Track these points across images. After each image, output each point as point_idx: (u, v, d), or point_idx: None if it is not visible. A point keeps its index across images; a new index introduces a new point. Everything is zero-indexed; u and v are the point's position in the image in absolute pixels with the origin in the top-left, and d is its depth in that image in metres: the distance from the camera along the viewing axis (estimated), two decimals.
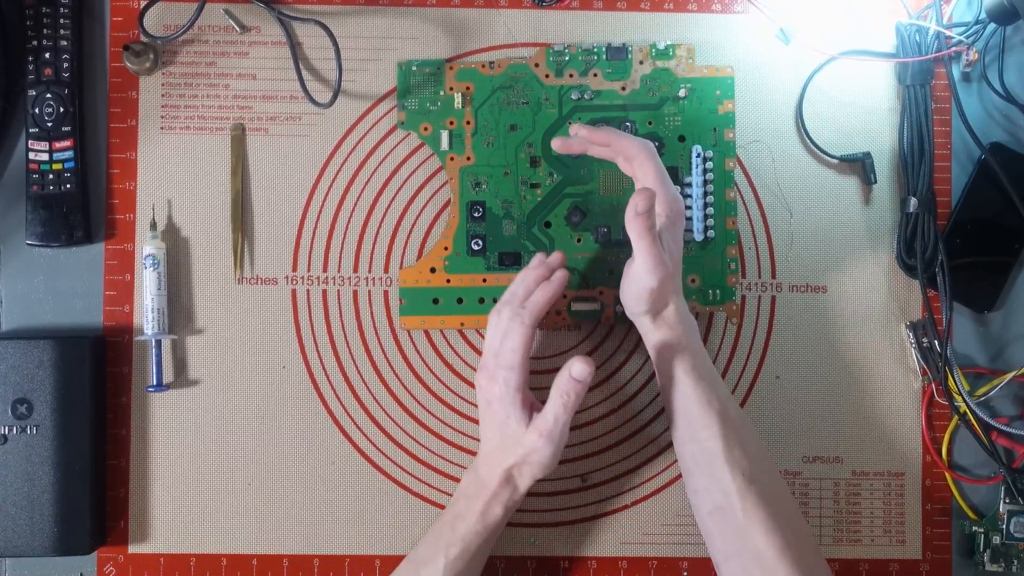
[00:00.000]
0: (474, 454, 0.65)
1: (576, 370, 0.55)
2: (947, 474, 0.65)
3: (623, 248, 0.65)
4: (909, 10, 0.65)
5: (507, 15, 0.66)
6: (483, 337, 0.65)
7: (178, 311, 0.65)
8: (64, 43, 0.64)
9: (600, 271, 0.65)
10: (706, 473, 0.57)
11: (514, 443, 0.57)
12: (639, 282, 0.57)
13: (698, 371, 0.58)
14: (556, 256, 0.61)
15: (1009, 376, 0.64)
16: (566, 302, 0.65)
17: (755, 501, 0.55)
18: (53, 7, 0.63)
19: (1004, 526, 0.65)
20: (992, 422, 0.64)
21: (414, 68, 0.65)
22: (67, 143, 0.63)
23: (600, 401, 0.66)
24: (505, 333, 0.57)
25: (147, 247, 0.64)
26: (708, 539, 0.58)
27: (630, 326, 0.65)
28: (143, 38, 0.63)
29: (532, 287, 0.59)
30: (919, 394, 0.66)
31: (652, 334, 0.59)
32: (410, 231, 0.66)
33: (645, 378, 0.66)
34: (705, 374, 0.58)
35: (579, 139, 0.60)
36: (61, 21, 0.63)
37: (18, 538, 0.61)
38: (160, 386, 0.64)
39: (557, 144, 0.61)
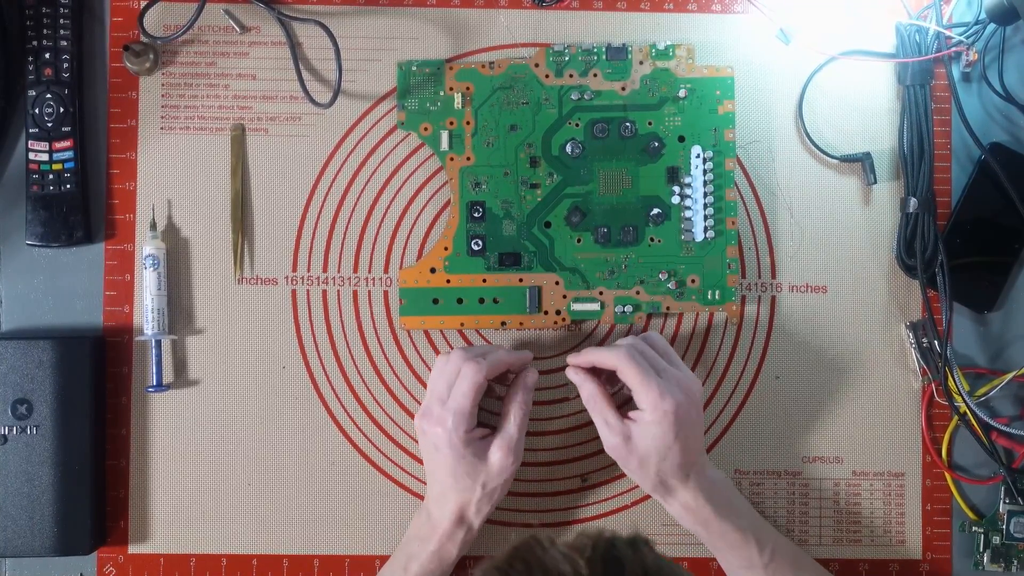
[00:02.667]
0: None
1: (530, 380, 0.60)
2: (947, 474, 0.65)
3: (623, 248, 0.65)
4: (909, 10, 0.65)
5: (507, 15, 0.66)
6: (483, 337, 0.65)
7: (178, 311, 0.65)
8: (64, 43, 0.63)
9: (600, 271, 0.65)
10: None
11: (470, 478, 0.58)
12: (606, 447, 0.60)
13: (728, 538, 0.59)
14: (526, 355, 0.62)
15: (1009, 376, 0.64)
16: (566, 302, 0.65)
17: None
18: (53, 7, 0.63)
19: (1004, 526, 0.65)
20: (992, 422, 0.64)
21: (414, 68, 0.65)
22: (67, 143, 0.63)
23: None
24: (459, 376, 0.58)
25: (147, 247, 0.64)
26: None
27: (630, 326, 0.65)
28: (143, 38, 0.63)
29: (494, 351, 0.61)
30: (919, 394, 0.66)
31: (675, 515, 0.61)
32: (410, 231, 0.66)
33: None
34: (740, 534, 0.59)
35: (575, 372, 0.61)
36: (61, 21, 0.63)
37: (18, 538, 0.61)
38: (160, 386, 0.64)
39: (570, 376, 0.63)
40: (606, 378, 0.61)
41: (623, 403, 0.62)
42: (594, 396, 0.59)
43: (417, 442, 0.65)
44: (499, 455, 0.58)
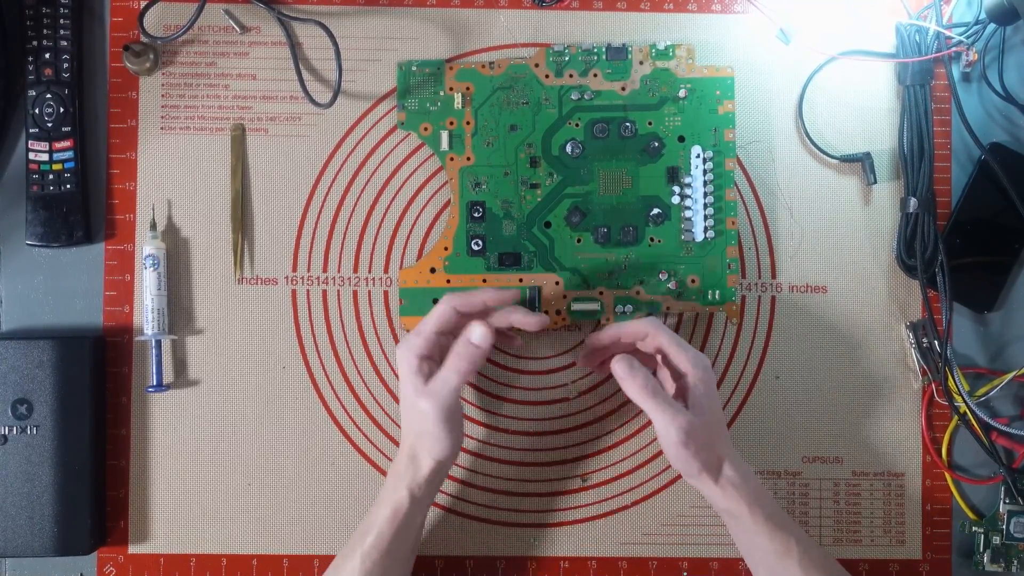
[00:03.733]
0: (474, 455, 0.65)
1: (475, 334, 0.56)
2: (947, 474, 0.65)
3: (623, 248, 0.65)
4: (909, 10, 0.65)
5: (507, 15, 0.66)
6: None
7: (178, 311, 0.65)
8: (64, 43, 0.64)
9: (600, 271, 0.65)
10: None
11: (412, 411, 0.56)
12: (667, 442, 0.55)
13: (771, 521, 0.57)
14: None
15: (1009, 376, 0.64)
16: (566, 302, 0.65)
17: None
18: (53, 7, 0.63)
19: (1004, 526, 0.65)
20: (992, 422, 0.64)
21: (414, 68, 0.65)
22: (67, 143, 0.63)
23: (600, 401, 0.66)
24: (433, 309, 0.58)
25: (147, 247, 0.64)
26: None
27: None
28: (143, 38, 0.63)
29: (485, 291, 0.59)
30: (919, 394, 0.66)
31: (718, 496, 0.57)
32: (410, 231, 0.66)
33: None
34: (780, 522, 0.57)
35: (590, 352, 0.60)
36: (61, 21, 0.63)
37: (18, 538, 0.61)
38: (160, 386, 0.64)
39: (582, 362, 0.62)
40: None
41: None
42: (651, 382, 0.56)
43: None
44: (422, 400, 0.55)
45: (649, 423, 0.65)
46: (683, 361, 0.57)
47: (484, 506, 0.65)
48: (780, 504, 0.66)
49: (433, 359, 0.57)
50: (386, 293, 0.65)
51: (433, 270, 0.64)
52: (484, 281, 0.64)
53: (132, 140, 0.65)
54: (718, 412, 0.57)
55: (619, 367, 0.56)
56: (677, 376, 0.58)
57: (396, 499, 0.57)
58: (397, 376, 0.65)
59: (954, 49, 0.65)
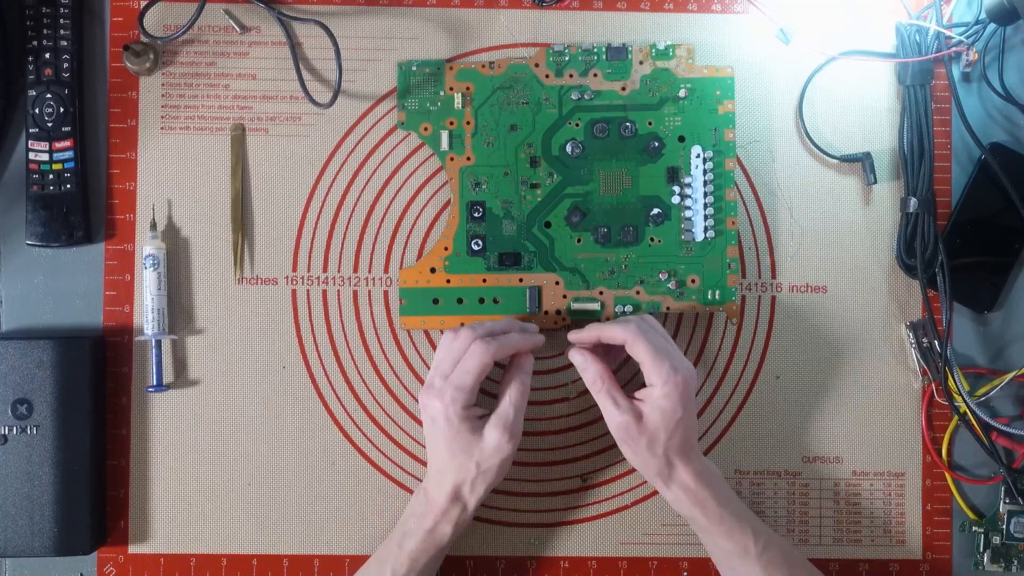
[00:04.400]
0: None
1: (527, 364, 0.60)
2: (947, 474, 0.65)
3: (623, 248, 0.65)
4: (909, 10, 0.65)
5: (507, 15, 0.66)
6: None
7: (178, 311, 0.65)
8: (64, 43, 0.64)
9: (600, 271, 0.65)
10: None
11: (465, 455, 0.57)
12: (612, 434, 0.59)
13: (727, 522, 0.58)
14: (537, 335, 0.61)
15: (1009, 376, 0.64)
16: (566, 302, 0.65)
17: None
18: (53, 7, 0.63)
19: (1004, 526, 0.65)
20: (992, 422, 0.64)
21: (414, 68, 0.65)
22: (67, 143, 0.63)
23: None
24: (467, 354, 0.58)
25: (147, 247, 0.64)
26: None
27: None
28: (143, 38, 0.63)
29: (507, 329, 0.60)
30: (919, 394, 0.66)
31: (670, 499, 0.60)
32: (410, 231, 0.66)
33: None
34: (737, 522, 0.58)
35: (579, 353, 0.60)
36: (61, 21, 0.63)
37: (18, 538, 0.61)
38: (160, 386, 0.64)
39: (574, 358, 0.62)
40: (604, 357, 0.61)
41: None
42: (601, 376, 0.59)
43: (418, 442, 0.65)
44: (495, 434, 0.57)
45: None
46: (654, 375, 0.57)
47: (484, 506, 0.65)
48: (780, 503, 0.66)
49: (473, 406, 0.59)
50: (386, 293, 0.65)
51: (433, 270, 0.64)
52: (484, 281, 0.64)
53: (132, 140, 0.65)
54: (675, 420, 0.57)
55: (576, 360, 0.60)
56: (647, 383, 0.59)
57: (437, 536, 0.59)
58: (405, 386, 0.65)
59: (954, 49, 0.65)
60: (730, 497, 0.59)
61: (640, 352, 0.58)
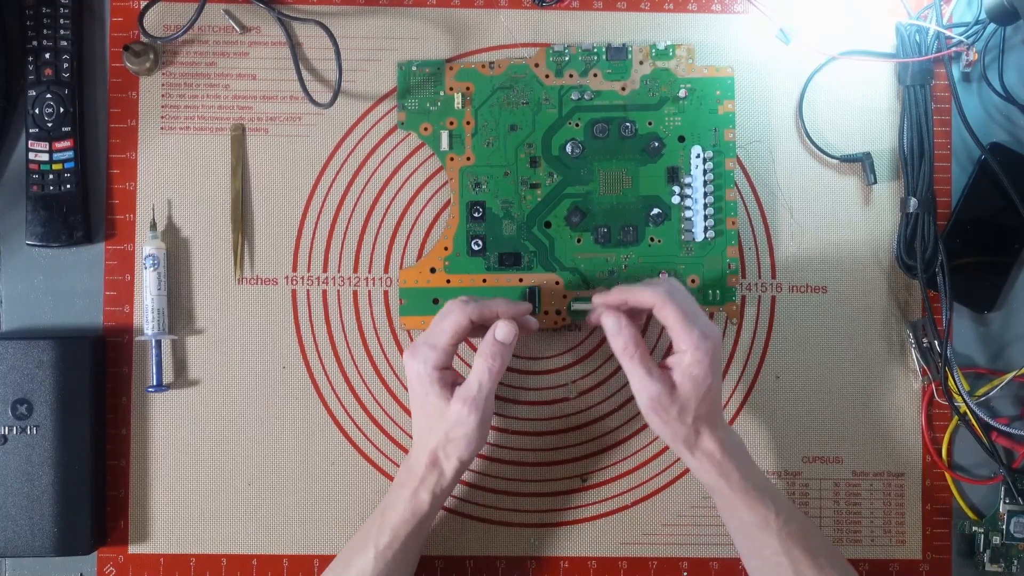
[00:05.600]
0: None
1: (500, 332, 0.56)
2: (947, 474, 0.65)
3: (623, 248, 0.65)
4: (909, 10, 0.65)
5: (507, 15, 0.66)
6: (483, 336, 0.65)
7: (178, 311, 0.65)
8: (64, 43, 0.64)
9: (600, 271, 0.65)
10: None
11: (436, 420, 0.57)
12: (640, 405, 0.57)
13: (750, 493, 0.57)
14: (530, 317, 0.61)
15: (1009, 376, 0.64)
16: (566, 302, 0.65)
17: None
18: (53, 7, 0.63)
19: (1004, 526, 0.65)
20: (992, 422, 0.64)
21: (414, 68, 0.65)
22: (67, 143, 0.63)
23: (600, 401, 0.66)
24: (443, 314, 0.57)
25: (147, 247, 0.64)
26: None
27: None
28: (143, 38, 0.63)
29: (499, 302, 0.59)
30: (919, 394, 0.66)
31: (694, 468, 0.58)
32: (410, 231, 0.66)
33: None
34: (759, 493, 0.57)
35: (599, 310, 0.59)
36: (61, 21, 0.63)
37: (18, 538, 0.61)
38: (160, 386, 0.64)
39: (592, 321, 0.60)
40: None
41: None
42: (635, 342, 0.56)
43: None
44: (457, 405, 0.56)
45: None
46: (684, 341, 0.56)
47: (484, 506, 0.65)
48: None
49: (448, 367, 0.58)
50: (386, 293, 0.65)
51: (433, 270, 0.64)
52: (484, 281, 0.64)
53: (132, 140, 0.65)
54: (706, 388, 0.56)
55: (608, 323, 0.57)
56: (674, 350, 0.57)
57: (416, 504, 0.58)
58: (405, 385, 0.65)
59: (954, 49, 0.65)
60: (753, 468, 0.58)
61: (669, 316, 0.56)
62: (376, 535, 0.58)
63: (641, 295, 0.57)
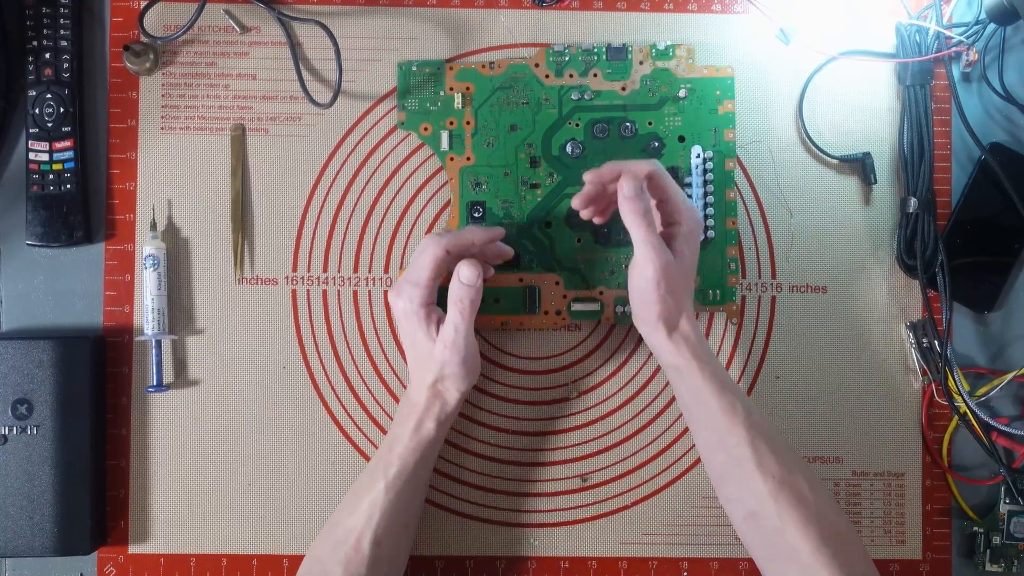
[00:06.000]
0: (475, 454, 0.65)
1: (464, 275, 0.57)
2: (947, 474, 0.65)
3: (623, 248, 0.65)
4: (909, 10, 0.65)
5: (507, 15, 0.66)
6: (483, 337, 0.65)
7: (178, 311, 0.65)
8: (64, 43, 0.64)
9: (600, 271, 0.65)
10: (737, 481, 0.56)
11: (428, 357, 0.58)
12: (642, 276, 0.56)
13: (719, 380, 0.57)
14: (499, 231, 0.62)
15: (1009, 376, 0.64)
16: (566, 302, 0.65)
17: (788, 503, 0.54)
18: (53, 7, 0.63)
19: (1004, 526, 0.65)
20: (992, 422, 0.64)
21: (414, 68, 0.65)
22: (67, 143, 0.63)
23: (600, 401, 0.66)
24: (420, 251, 0.58)
25: (147, 247, 0.64)
26: (746, 544, 0.58)
27: (630, 326, 0.65)
28: (143, 38, 0.63)
29: (471, 230, 0.60)
30: (919, 394, 0.66)
31: (668, 351, 0.58)
32: (410, 231, 0.66)
33: (645, 378, 0.66)
34: (726, 382, 0.57)
35: (590, 185, 0.59)
36: (61, 21, 0.63)
37: (18, 538, 0.61)
38: (160, 386, 0.64)
39: (577, 203, 0.60)
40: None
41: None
42: (651, 212, 0.56)
43: None
44: (439, 347, 0.58)
45: (651, 423, 0.65)
46: (683, 213, 0.58)
47: (484, 506, 0.65)
48: None
49: (433, 303, 0.59)
50: (386, 293, 0.65)
51: None
52: (484, 281, 0.64)
53: (132, 140, 0.65)
54: (693, 267, 0.58)
55: (628, 186, 0.56)
56: (667, 223, 0.59)
57: (422, 433, 0.59)
58: (405, 385, 0.65)
59: (954, 49, 0.65)
60: (716, 358, 0.59)
61: (669, 187, 0.57)
62: (384, 469, 0.58)
63: (636, 165, 0.58)
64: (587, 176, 0.58)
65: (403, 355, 0.65)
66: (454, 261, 0.59)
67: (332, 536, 0.58)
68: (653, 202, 0.58)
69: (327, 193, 0.66)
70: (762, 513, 0.55)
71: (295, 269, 0.65)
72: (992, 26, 0.65)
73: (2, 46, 0.63)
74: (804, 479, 0.56)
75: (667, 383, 0.65)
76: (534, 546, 0.65)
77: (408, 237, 0.66)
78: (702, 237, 0.64)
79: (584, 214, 0.61)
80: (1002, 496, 0.65)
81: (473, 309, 0.58)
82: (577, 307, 0.64)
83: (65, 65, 0.63)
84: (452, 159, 0.65)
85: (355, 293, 0.66)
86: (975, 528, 0.65)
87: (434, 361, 0.58)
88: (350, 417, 0.65)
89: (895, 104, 0.66)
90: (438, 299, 0.59)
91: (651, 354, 0.64)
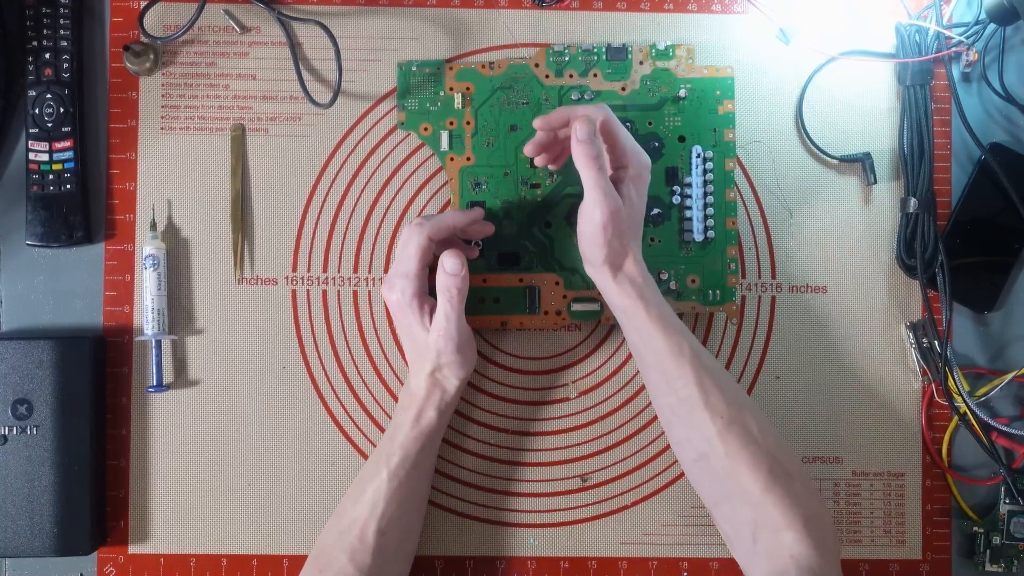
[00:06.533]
0: (475, 455, 0.65)
1: (448, 266, 0.57)
2: (947, 474, 0.65)
3: None
4: (909, 10, 0.65)
5: (507, 15, 0.66)
6: (483, 337, 0.65)
7: (178, 311, 0.65)
8: (64, 43, 0.64)
9: None
10: (686, 422, 0.57)
11: (424, 348, 0.59)
12: (590, 219, 0.56)
13: (666, 320, 0.57)
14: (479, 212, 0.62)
15: (1009, 376, 0.64)
16: (566, 302, 0.65)
17: (737, 443, 0.55)
18: (53, 7, 0.63)
19: (1004, 526, 0.65)
20: (992, 422, 0.64)
21: (414, 68, 0.65)
22: (67, 143, 0.63)
23: (600, 401, 0.66)
24: (404, 242, 0.59)
25: (147, 247, 0.64)
26: (696, 487, 0.59)
27: None
28: (143, 38, 0.63)
29: (450, 214, 0.60)
30: (919, 394, 0.66)
31: (614, 292, 0.58)
32: None
33: None
34: (674, 323, 0.58)
35: (541, 132, 0.59)
36: (61, 21, 0.63)
37: (18, 538, 0.61)
38: (160, 386, 0.64)
39: (529, 150, 0.60)
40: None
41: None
42: (604, 156, 0.57)
43: None
44: (433, 337, 0.58)
45: (651, 423, 0.65)
46: (633, 158, 0.58)
47: (484, 506, 0.65)
48: None
49: (424, 292, 0.59)
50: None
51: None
52: (484, 281, 0.64)
53: (132, 140, 0.65)
54: (641, 210, 0.59)
55: (581, 129, 0.55)
56: (616, 166, 0.59)
57: (424, 421, 0.59)
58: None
59: (954, 49, 0.65)
60: (665, 302, 0.59)
61: (620, 132, 0.58)
62: (387, 458, 0.59)
63: (586, 109, 0.58)
64: (537, 123, 0.59)
65: (402, 354, 0.65)
66: (440, 247, 0.59)
67: (337, 525, 0.59)
68: (604, 146, 0.58)
69: (327, 193, 0.66)
70: (711, 454, 0.55)
71: (295, 269, 0.65)
72: (992, 26, 0.65)
73: (2, 46, 0.63)
74: (753, 418, 0.56)
75: None
76: (534, 546, 0.65)
77: None
78: (701, 237, 0.64)
79: (538, 161, 0.61)
80: (1002, 496, 0.65)
81: (461, 297, 0.58)
82: (577, 307, 0.64)
83: (65, 65, 0.63)
84: (452, 159, 0.65)
85: (355, 293, 0.66)
86: (975, 528, 0.65)
87: (430, 350, 0.58)
88: (350, 417, 0.65)
89: (895, 104, 0.66)
90: (429, 288, 0.59)
91: None
